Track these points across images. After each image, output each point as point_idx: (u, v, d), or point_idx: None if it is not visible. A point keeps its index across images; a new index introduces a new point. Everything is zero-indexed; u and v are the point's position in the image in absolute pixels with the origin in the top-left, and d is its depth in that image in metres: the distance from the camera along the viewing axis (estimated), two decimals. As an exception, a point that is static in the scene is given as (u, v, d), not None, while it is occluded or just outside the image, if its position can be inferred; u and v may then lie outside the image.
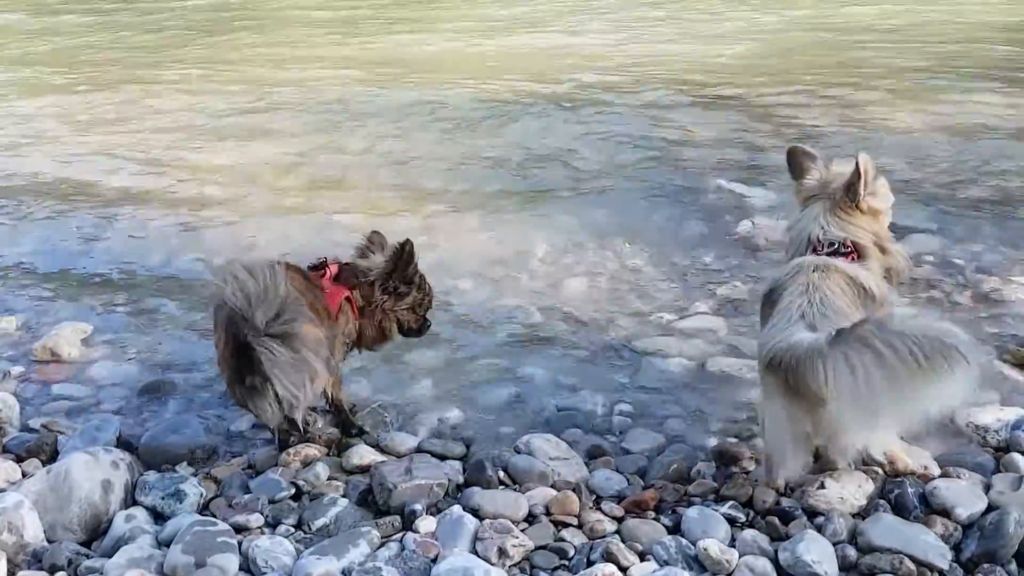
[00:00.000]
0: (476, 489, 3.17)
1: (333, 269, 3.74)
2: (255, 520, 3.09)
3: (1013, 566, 2.75)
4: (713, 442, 3.57)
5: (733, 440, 3.54)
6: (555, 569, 2.82)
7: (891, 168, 6.64)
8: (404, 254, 3.73)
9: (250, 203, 6.89)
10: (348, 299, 3.70)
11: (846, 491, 3.04)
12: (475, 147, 8.13)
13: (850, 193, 3.18)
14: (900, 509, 2.98)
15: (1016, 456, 3.25)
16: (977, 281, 4.89)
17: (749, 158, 7.25)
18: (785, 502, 3.06)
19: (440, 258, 5.70)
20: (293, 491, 3.27)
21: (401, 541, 2.90)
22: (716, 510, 3.03)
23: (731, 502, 3.09)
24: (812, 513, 3.00)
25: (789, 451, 2.98)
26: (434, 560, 2.77)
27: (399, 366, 4.33)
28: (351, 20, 16.09)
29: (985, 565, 2.75)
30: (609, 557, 2.78)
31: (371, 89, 10.63)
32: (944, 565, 2.74)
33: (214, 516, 3.14)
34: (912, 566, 2.72)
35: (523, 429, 3.76)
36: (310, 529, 3.04)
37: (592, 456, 3.56)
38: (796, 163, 3.41)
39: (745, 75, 10.11)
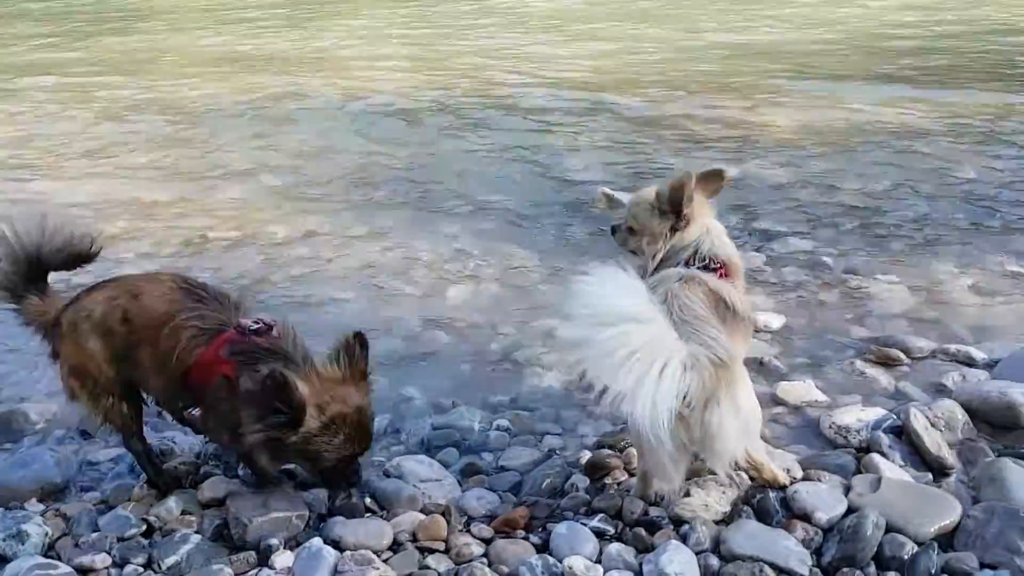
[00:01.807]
0: (339, 519, 3.04)
1: (233, 337, 2.99)
2: (101, 560, 2.91)
3: (872, 569, 2.79)
4: (588, 455, 3.55)
5: (607, 452, 3.53)
6: (418, 599, 2.73)
7: (765, 173, 6.85)
8: (264, 390, 2.79)
9: (119, 214, 6.59)
10: (229, 379, 2.94)
11: (711, 498, 3.05)
12: (360, 154, 8.01)
13: (674, 208, 3.19)
14: (763, 514, 3.01)
15: (876, 457, 3.31)
16: (844, 281, 5.05)
17: (633, 165, 7.34)
18: (653, 511, 3.05)
19: (322, 267, 5.59)
20: (144, 527, 3.09)
21: (255, 578, 2.77)
22: (585, 524, 2.99)
23: (601, 515, 3.06)
24: (678, 522, 2.99)
25: (668, 463, 2.93)
26: (290, 597, 2.65)
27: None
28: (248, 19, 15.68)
29: (845, 569, 2.78)
30: (473, 582, 2.71)
31: (247, 91, 10.39)
32: (804, 571, 2.77)
33: (58, 557, 2.96)
34: (772, 574, 2.74)
35: (396, 452, 3.67)
36: (160, 568, 2.88)
37: (467, 475, 3.49)
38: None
39: (633, 83, 10.26)
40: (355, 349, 2.95)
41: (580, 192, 6.71)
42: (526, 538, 2.99)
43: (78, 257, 3.38)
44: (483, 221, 6.30)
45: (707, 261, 3.14)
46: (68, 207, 6.74)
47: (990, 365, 4.05)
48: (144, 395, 3.31)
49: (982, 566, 2.75)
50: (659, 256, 3.25)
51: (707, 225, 3.24)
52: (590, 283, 2.70)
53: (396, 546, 2.95)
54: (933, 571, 2.74)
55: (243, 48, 13.84)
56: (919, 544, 2.84)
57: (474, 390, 4.24)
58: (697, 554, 2.82)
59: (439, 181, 7.18)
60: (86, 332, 3.17)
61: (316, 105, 9.77)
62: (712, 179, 3.36)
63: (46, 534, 3.07)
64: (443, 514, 3.09)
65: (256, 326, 2.99)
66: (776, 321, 4.57)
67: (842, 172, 6.86)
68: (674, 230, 3.24)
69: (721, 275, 3.12)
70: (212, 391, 2.98)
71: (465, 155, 7.87)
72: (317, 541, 2.89)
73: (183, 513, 3.16)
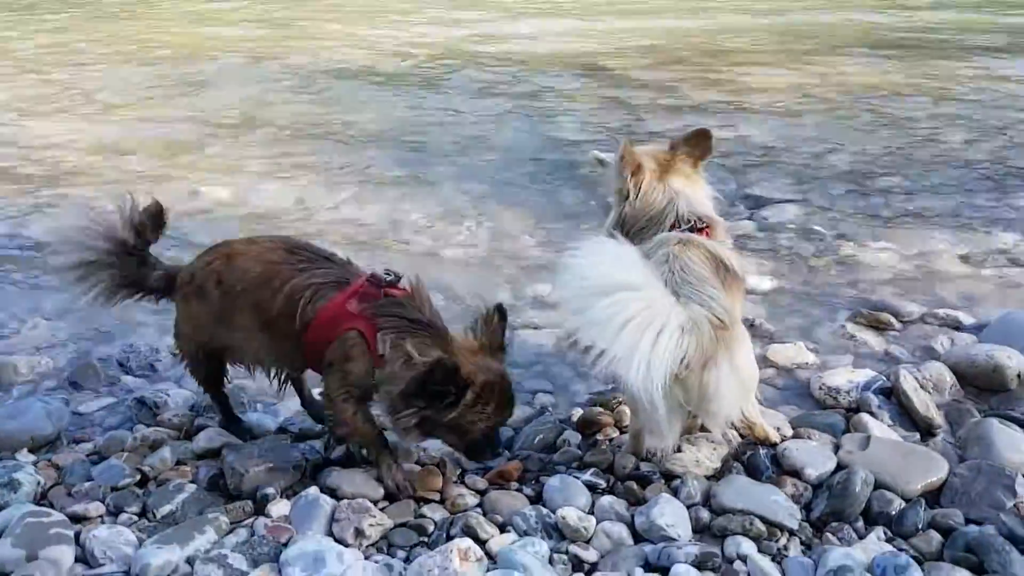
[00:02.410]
0: (335, 469, 3.05)
1: (365, 289, 2.90)
2: (95, 509, 2.92)
3: (860, 524, 2.84)
4: (580, 412, 3.57)
5: (598, 409, 3.55)
6: (413, 546, 2.75)
7: (757, 139, 6.85)
8: (433, 377, 2.71)
9: (106, 173, 6.52)
10: (363, 334, 2.85)
11: (701, 454, 3.09)
12: (353, 116, 7.95)
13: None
14: (753, 470, 3.05)
15: (865, 416, 3.36)
16: (835, 247, 5.07)
17: (626, 129, 7.33)
18: (644, 466, 3.08)
19: (312, 228, 5.56)
20: (138, 477, 3.09)
21: (252, 526, 2.78)
22: (578, 477, 3.02)
23: (593, 469, 3.09)
24: (669, 476, 3.03)
25: (664, 422, 2.94)
26: (286, 544, 2.66)
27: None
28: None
29: (833, 523, 2.83)
30: (468, 531, 2.73)
31: (237, 56, 10.26)
32: (793, 525, 2.81)
33: (51, 506, 2.96)
34: (762, 527, 2.77)
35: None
36: (155, 517, 2.88)
37: (460, 430, 3.50)
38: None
39: (627, 50, 10.20)
40: (494, 320, 2.91)
41: (573, 154, 6.70)
42: (519, 490, 3.02)
43: (155, 224, 3.29)
44: (476, 183, 6.28)
45: (692, 223, 3.15)
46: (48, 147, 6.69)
47: (978, 329, 4.10)
48: (238, 360, 3.26)
49: (967, 522, 2.80)
50: (613, 218, 3.26)
51: (676, 189, 3.21)
52: (581, 255, 2.73)
53: (392, 496, 2.97)
54: (920, 526, 2.79)
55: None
56: (906, 500, 2.89)
57: (466, 349, 4.24)
58: (688, 507, 2.86)
59: (431, 143, 7.14)
60: (188, 295, 3.18)
61: (300, 69, 9.65)
62: (698, 140, 3.34)
63: (38, 483, 3.07)
64: (438, 465, 3.11)
65: (389, 277, 2.93)
66: (767, 284, 4.60)
67: (834, 139, 6.89)
68: (626, 195, 3.23)
69: (706, 235, 3.14)
70: (339, 345, 2.87)
71: (457, 117, 7.82)
72: (314, 490, 2.90)
73: (178, 463, 3.17)
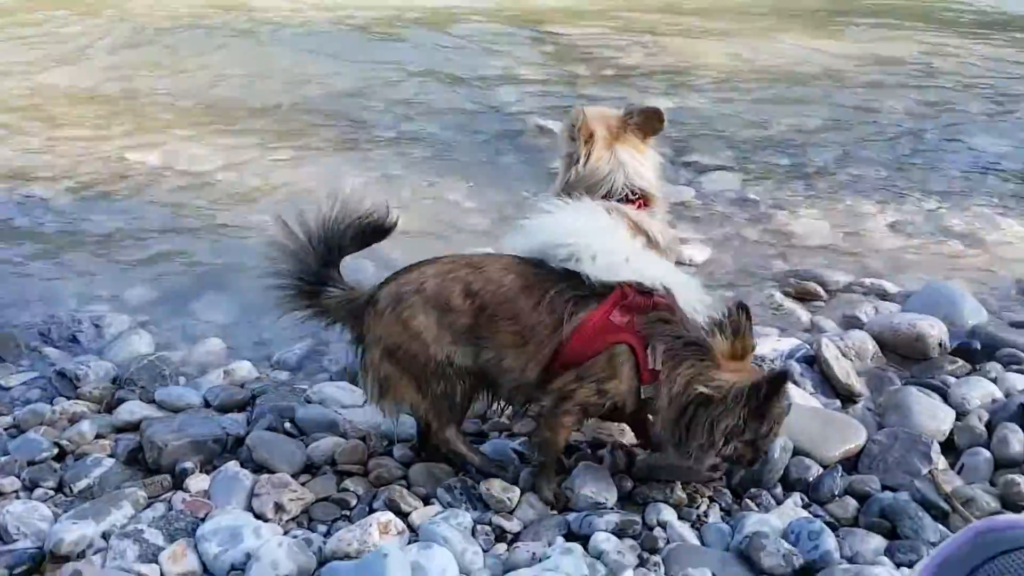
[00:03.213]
0: (256, 443, 3.00)
1: (633, 298, 2.67)
2: (9, 483, 2.85)
3: (779, 490, 2.90)
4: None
5: (530, 378, 3.55)
6: (335, 520, 2.73)
7: (698, 108, 6.86)
8: (765, 398, 2.57)
9: (32, 131, 6.29)
10: (632, 348, 2.67)
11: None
12: (289, 77, 7.75)
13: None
14: (677, 439, 3.07)
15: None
16: (769, 216, 5.13)
17: (567, 97, 7.28)
18: (573, 435, 3.09)
19: (245, 192, 5.44)
20: (56, 451, 3.02)
21: (170, 501, 2.74)
22: (507, 446, 3.03)
23: (523, 439, 3.09)
24: (597, 445, 3.05)
25: None
26: (203, 519, 2.63)
27: (186, 319, 4.10)
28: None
29: (753, 489, 2.89)
30: (391, 504, 2.72)
31: (171, 12, 9.91)
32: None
33: (-36, 482, 2.87)
34: (683, 494, 2.82)
35: (319, 379, 3.63)
36: (72, 491, 2.83)
37: (391, 401, 3.48)
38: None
39: (567, 14, 10.10)
40: (742, 320, 2.67)
41: (513, 121, 6.64)
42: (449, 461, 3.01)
43: (375, 231, 2.94)
44: (414, 148, 6.19)
45: (625, 193, 3.16)
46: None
47: (903, 298, 4.18)
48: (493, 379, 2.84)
49: (883, 488, 2.87)
50: (559, 182, 3.29)
51: (622, 159, 3.22)
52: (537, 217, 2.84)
53: (315, 469, 2.95)
54: (836, 492, 2.85)
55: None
56: (824, 467, 2.95)
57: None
58: (613, 475, 2.88)
59: (367, 108, 6.99)
60: (415, 306, 2.73)
61: (233, 28, 9.34)
62: (650, 118, 3.34)
63: (-48, 459, 2.99)
64: (363, 439, 3.09)
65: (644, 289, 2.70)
66: (701, 255, 4.63)
67: (773, 109, 6.92)
68: (574, 160, 3.25)
69: (639, 206, 3.16)
70: (604, 360, 2.65)
71: (393, 82, 7.66)
72: (233, 464, 2.86)
73: (97, 437, 3.11)
